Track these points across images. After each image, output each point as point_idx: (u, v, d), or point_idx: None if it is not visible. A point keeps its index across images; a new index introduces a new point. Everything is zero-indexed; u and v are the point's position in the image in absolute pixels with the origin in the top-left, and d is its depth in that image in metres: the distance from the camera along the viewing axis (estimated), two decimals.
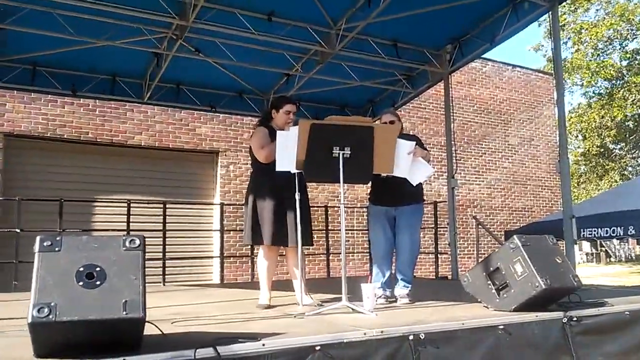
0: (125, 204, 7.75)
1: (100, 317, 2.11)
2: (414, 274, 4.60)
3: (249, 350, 2.42)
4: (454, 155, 7.44)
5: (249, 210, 4.14)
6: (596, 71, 22.17)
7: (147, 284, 2.30)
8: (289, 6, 6.01)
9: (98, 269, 2.21)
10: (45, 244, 2.22)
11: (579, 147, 25.10)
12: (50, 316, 2.06)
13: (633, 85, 21.51)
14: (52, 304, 2.08)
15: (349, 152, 3.65)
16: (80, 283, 2.17)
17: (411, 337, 2.81)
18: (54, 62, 6.94)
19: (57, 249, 2.22)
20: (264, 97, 8.20)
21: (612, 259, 30.91)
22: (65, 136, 9.53)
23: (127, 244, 2.30)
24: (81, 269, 2.20)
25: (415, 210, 4.45)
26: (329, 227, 9.28)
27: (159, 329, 2.54)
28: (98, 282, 2.19)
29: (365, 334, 2.74)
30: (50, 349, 2.19)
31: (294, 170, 3.77)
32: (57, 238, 2.25)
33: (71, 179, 9.37)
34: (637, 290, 5.40)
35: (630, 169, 23.78)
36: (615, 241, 26.68)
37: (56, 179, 9.23)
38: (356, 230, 10.76)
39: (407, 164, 4.04)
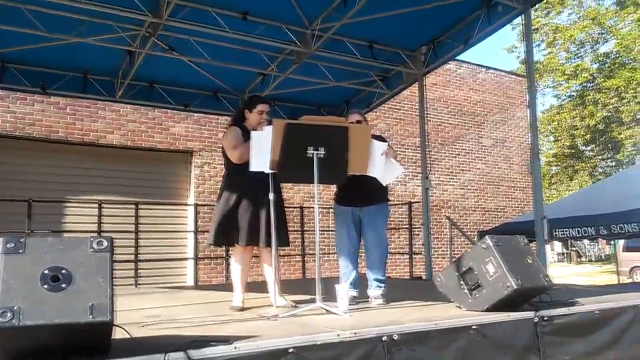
0: (97, 205, 7.62)
1: (66, 321, 2.05)
2: (387, 275, 4.61)
3: (221, 353, 2.38)
4: (428, 156, 7.49)
5: (219, 210, 4.09)
6: (572, 75, 22.62)
7: (118, 286, 2.25)
8: (264, 5, 5.97)
9: (64, 271, 2.15)
10: (8, 245, 2.15)
11: (550, 148, 25.58)
12: (14, 321, 2.00)
13: (604, 88, 22.00)
14: (16, 308, 2.02)
15: (324, 153, 3.63)
16: (46, 286, 2.11)
17: (385, 338, 2.80)
18: (23, 58, 6.76)
19: (21, 250, 2.15)
20: (239, 96, 8.14)
21: (583, 259, 31.59)
22: (34, 135, 9.31)
23: (94, 245, 2.23)
24: (46, 271, 2.13)
25: (380, 209, 4.46)
26: (305, 228, 9.28)
27: (128, 332, 2.49)
28: (64, 285, 2.12)
29: (338, 335, 2.72)
30: (15, 355, 2.13)
31: (268, 171, 3.74)
32: (21, 240, 2.17)
33: (41, 179, 9.15)
34: (607, 289, 5.52)
35: (600, 169, 24.30)
36: (585, 241, 27.27)
37: (25, 179, 9.01)
38: (331, 231, 10.70)
39: (380, 165, 4.05)
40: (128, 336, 2.49)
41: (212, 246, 4.51)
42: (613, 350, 3.68)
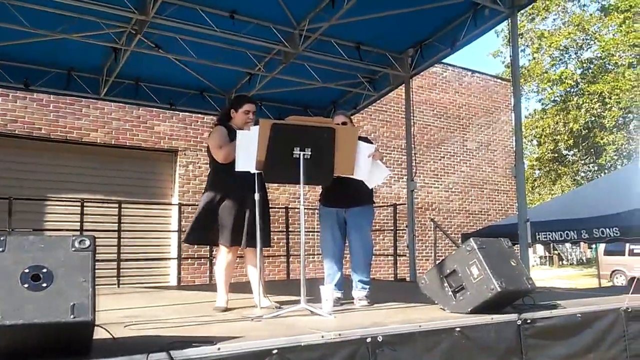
0: (79, 204, 7.53)
1: (46, 321, 2.02)
2: (372, 276, 4.62)
3: (204, 354, 2.36)
4: (413, 158, 7.52)
5: (200, 208, 4.06)
6: (557, 81, 22.88)
7: (101, 286, 2.22)
8: (251, 4, 5.94)
9: (45, 270, 2.11)
10: None
11: (534, 152, 25.84)
12: None
13: (587, 93, 22.29)
14: None
15: (310, 153, 3.62)
16: (26, 285, 2.07)
17: (369, 340, 2.80)
18: (6, 54, 6.66)
19: (0, 249, 2.11)
20: (226, 95, 8.10)
21: (565, 262, 31.95)
22: (16, 132, 9.17)
23: (76, 244, 2.20)
24: (27, 270, 2.09)
25: (365, 211, 4.47)
26: (290, 229, 9.25)
27: (110, 333, 2.46)
28: (44, 285, 2.09)
29: (323, 336, 2.72)
30: None
31: (253, 171, 3.72)
32: (1, 238, 2.13)
33: (22, 177, 9.02)
34: (589, 292, 5.58)
35: (582, 174, 24.61)
36: (567, 245, 27.60)
37: (6, 176, 8.87)
38: (317, 232, 10.69)
39: (366, 167, 4.05)
40: (110, 336, 2.45)
41: (187, 244, 4.48)
42: (593, 352, 3.72)
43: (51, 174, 9.34)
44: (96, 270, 2.24)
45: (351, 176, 3.99)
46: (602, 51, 22.08)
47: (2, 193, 7.60)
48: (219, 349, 2.40)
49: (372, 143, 4.25)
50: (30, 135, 9.28)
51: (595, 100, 22.10)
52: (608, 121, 21.67)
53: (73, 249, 2.20)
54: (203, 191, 4.23)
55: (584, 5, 24.91)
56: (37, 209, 8.90)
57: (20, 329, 2.00)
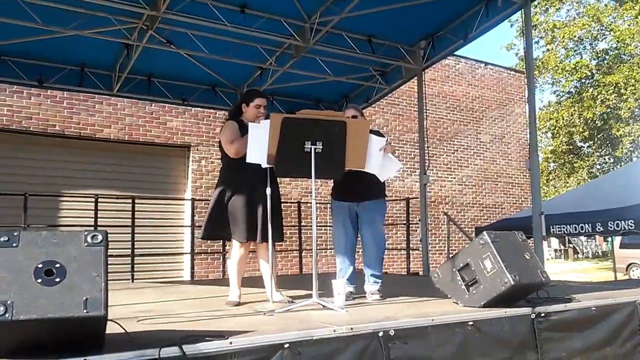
0: (93, 199, 7.59)
1: (59, 316, 2.03)
2: (385, 270, 4.60)
3: (216, 348, 2.37)
4: (426, 151, 7.47)
5: (213, 204, 4.06)
6: (571, 72, 22.60)
7: (114, 281, 2.23)
8: None
9: (58, 265, 2.13)
10: (2, 239, 2.12)
11: (549, 144, 25.57)
12: (7, 315, 1.98)
13: (602, 84, 21.98)
14: (9, 302, 2.00)
15: (321, 147, 3.61)
16: (39, 280, 2.09)
17: (381, 334, 2.79)
18: (20, 51, 6.72)
19: (14, 244, 2.13)
20: (238, 90, 8.10)
21: (580, 256, 31.67)
22: (31, 128, 9.27)
23: (88, 239, 2.21)
24: (40, 265, 2.11)
25: (378, 205, 4.45)
26: (302, 224, 9.26)
27: (123, 327, 2.47)
28: (58, 279, 2.10)
29: (334, 330, 2.71)
30: (8, 349, 2.11)
31: (264, 164, 3.72)
32: (15, 233, 2.15)
33: (37, 173, 9.12)
34: (604, 286, 5.52)
35: (597, 167, 24.31)
36: (582, 238, 27.34)
37: (21, 173, 8.98)
38: (329, 226, 10.72)
39: (378, 160, 4.03)
40: (122, 331, 2.47)
41: (201, 240, 4.50)
42: (609, 346, 3.68)
43: (65, 170, 9.42)
44: (110, 265, 2.26)
45: (363, 170, 3.97)
46: (617, 41, 21.73)
47: (17, 189, 7.70)
48: (231, 343, 2.41)
49: (383, 136, 4.21)
50: (45, 132, 9.38)
51: (611, 91, 21.79)
52: (624, 112, 21.36)
53: (86, 244, 2.21)
54: (215, 186, 4.24)
55: None
56: (52, 205, 9.01)
57: (34, 323, 2.01)
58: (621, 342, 3.74)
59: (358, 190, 4.32)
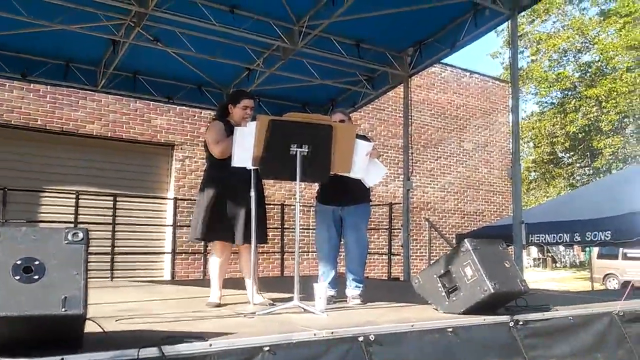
0: (74, 196, 7.50)
1: (37, 313, 2.01)
2: (366, 275, 4.62)
3: (195, 350, 2.35)
4: (410, 157, 7.51)
5: (202, 205, 4.04)
6: (554, 83, 22.92)
7: (94, 279, 2.21)
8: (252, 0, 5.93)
9: (37, 262, 2.10)
10: None
11: (530, 154, 25.88)
12: None
13: (584, 97, 22.32)
14: None
15: (307, 150, 3.61)
16: (17, 277, 2.06)
17: (361, 339, 2.80)
18: (4, 44, 6.61)
19: None
20: (224, 90, 8.07)
21: (558, 265, 32.06)
22: (12, 122, 9.12)
23: (69, 237, 2.18)
24: (18, 262, 2.08)
25: (362, 210, 4.47)
26: (285, 226, 9.25)
27: (101, 327, 2.45)
28: (36, 277, 2.08)
29: (315, 334, 2.72)
30: None
31: (250, 167, 3.71)
32: None
33: (17, 167, 8.96)
34: (581, 296, 5.60)
35: (577, 177, 24.65)
36: (561, 247, 27.67)
37: (1, 167, 8.82)
38: (312, 229, 10.71)
39: (364, 165, 4.04)
40: (101, 330, 2.44)
41: (198, 241, 4.48)
42: (601, 352, 3.72)
43: (47, 165, 9.29)
44: (90, 263, 2.24)
45: (348, 175, 3.98)
46: (601, 54, 22.09)
47: None
48: (210, 344, 2.40)
49: (370, 141, 4.23)
50: (27, 126, 9.23)
51: (593, 104, 22.14)
52: (605, 125, 21.71)
53: (66, 242, 2.19)
54: (199, 186, 4.22)
55: (584, 9, 24.87)
56: (32, 200, 8.87)
57: (11, 320, 1.99)
58: (612, 349, 3.78)
59: (343, 194, 4.33)
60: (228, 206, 3.97)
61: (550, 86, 23.17)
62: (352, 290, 4.32)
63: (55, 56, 7.04)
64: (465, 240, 3.64)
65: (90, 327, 2.30)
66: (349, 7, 5.76)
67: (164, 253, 9.76)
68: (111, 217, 7.73)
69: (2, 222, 6.81)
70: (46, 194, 8.96)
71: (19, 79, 7.31)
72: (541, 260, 32.61)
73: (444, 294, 3.60)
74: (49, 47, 6.80)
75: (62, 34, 6.20)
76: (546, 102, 24.68)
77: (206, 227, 3.99)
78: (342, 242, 4.52)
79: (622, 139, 21.90)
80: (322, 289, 3.61)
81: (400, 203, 7.89)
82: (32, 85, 8.88)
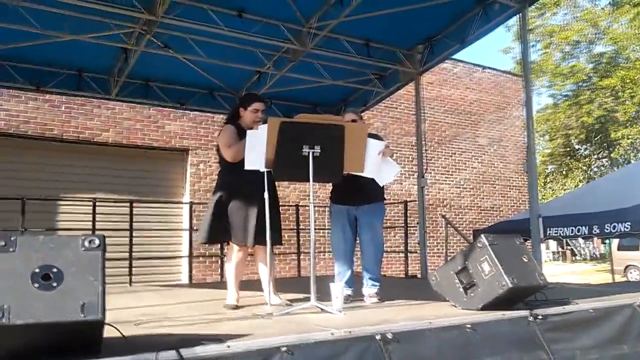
0: (91, 203, 7.58)
1: (56, 320, 2.03)
2: (383, 273, 4.61)
3: (213, 352, 2.36)
4: (424, 155, 7.48)
5: (211, 208, 4.07)
6: (568, 75, 22.69)
7: (112, 285, 2.24)
8: (260, 3, 5.93)
9: (55, 270, 2.12)
10: None
11: (546, 147, 25.63)
12: (3, 319, 1.97)
13: (599, 87, 22.04)
14: (5, 307, 1.99)
15: (319, 151, 3.61)
16: (36, 285, 2.08)
17: (379, 337, 2.79)
18: (17, 55, 6.71)
19: (11, 249, 2.12)
20: (236, 94, 8.10)
21: (578, 258, 31.66)
22: (29, 133, 9.26)
23: (86, 244, 2.21)
24: (37, 270, 2.11)
25: (376, 208, 4.46)
26: (300, 227, 9.24)
27: (120, 331, 2.47)
28: (55, 284, 2.10)
29: (332, 334, 2.71)
30: (4, 354, 2.10)
31: (263, 169, 3.73)
32: (12, 237, 2.15)
33: (35, 177, 9.10)
34: (602, 288, 5.52)
35: (594, 169, 24.35)
36: (580, 240, 27.34)
37: (19, 177, 8.96)
38: (327, 229, 10.68)
39: (376, 164, 4.03)
40: (120, 335, 2.47)
41: (202, 244, 4.52)
42: (626, 344, 3.66)
43: (63, 174, 9.42)
44: (108, 269, 2.26)
45: (361, 174, 3.97)
46: (615, 43, 21.78)
47: (16, 193, 7.67)
48: (228, 346, 2.41)
49: (382, 140, 4.22)
50: (43, 136, 9.37)
51: (608, 94, 21.85)
52: (621, 115, 21.41)
53: (83, 249, 2.21)
54: (213, 190, 4.24)
55: (595, 0, 24.61)
56: (50, 209, 8.99)
57: (31, 328, 2.01)
58: (635, 340, 3.72)
59: (356, 193, 4.32)
60: (240, 209, 3.99)
61: (565, 79, 22.93)
62: (369, 289, 4.32)
63: (68, 66, 7.12)
64: (482, 235, 3.61)
65: (109, 332, 2.32)
66: (357, 7, 5.75)
67: (181, 257, 9.84)
68: (128, 223, 7.79)
69: (21, 231, 6.90)
70: (64, 202, 9.08)
71: (32, 90, 7.40)
72: (560, 254, 32.21)
73: (461, 290, 3.58)
74: (61, 58, 6.88)
75: (73, 44, 6.28)
76: (560, 95, 24.43)
77: (213, 230, 4.02)
78: (357, 242, 4.52)
79: (639, 128, 21.59)
80: (339, 289, 3.61)
81: (416, 200, 7.86)
82: (47, 95, 9.01)
